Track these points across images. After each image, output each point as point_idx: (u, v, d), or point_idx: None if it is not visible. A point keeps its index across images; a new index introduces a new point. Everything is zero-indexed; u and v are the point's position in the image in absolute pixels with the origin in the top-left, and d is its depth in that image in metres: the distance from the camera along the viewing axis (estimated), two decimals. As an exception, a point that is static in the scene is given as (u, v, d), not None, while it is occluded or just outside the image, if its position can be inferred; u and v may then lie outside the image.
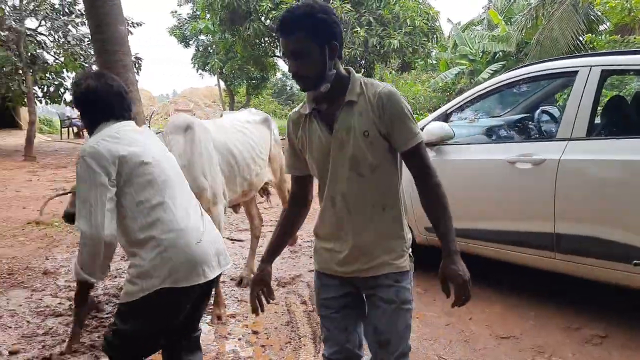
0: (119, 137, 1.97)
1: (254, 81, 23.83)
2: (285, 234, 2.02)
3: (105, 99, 2.06)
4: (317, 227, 1.92)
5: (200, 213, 2.17)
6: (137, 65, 15.75)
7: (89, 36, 15.71)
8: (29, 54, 14.74)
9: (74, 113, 20.65)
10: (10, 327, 3.53)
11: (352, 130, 1.72)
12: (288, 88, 35.25)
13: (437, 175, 1.76)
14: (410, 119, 1.72)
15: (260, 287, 1.96)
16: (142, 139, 2.07)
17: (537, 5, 13.82)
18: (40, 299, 4.05)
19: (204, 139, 3.52)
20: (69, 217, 2.83)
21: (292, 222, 2.02)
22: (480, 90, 4.17)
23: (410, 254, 1.86)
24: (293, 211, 2.02)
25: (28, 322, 3.61)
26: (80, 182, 1.88)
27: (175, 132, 3.43)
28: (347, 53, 14.42)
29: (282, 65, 22.01)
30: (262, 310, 1.97)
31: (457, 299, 1.75)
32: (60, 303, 3.97)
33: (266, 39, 17.02)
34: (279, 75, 29.48)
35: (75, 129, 21.56)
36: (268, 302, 1.98)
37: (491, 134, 4.52)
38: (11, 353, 3.18)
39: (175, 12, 24.55)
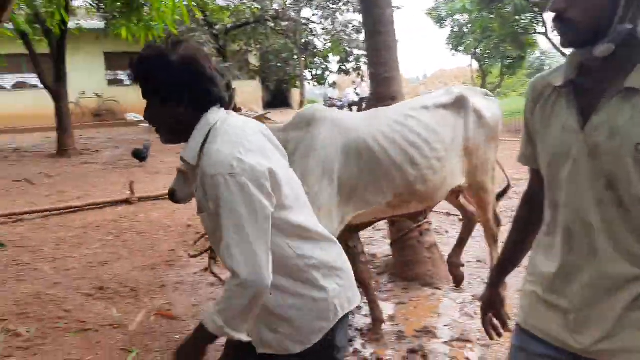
0: (258, 145, 1.45)
1: (509, 60, 22.74)
2: (518, 248, 1.47)
3: (215, 73, 1.48)
4: (534, 264, 1.31)
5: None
6: (395, 48, 16.60)
7: (352, 22, 17.13)
8: (303, 41, 16.73)
9: (335, 94, 22.75)
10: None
11: (617, 136, 1.08)
12: (546, 68, 32.55)
13: None
14: None
15: (488, 312, 1.56)
16: (270, 146, 1.55)
17: None
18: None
19: (323, 138, 2.76)
20: (172, 195, 2.63)
21: (533, 227, 1.37)
22: None
23: None
24: (531, 213, 1.41)
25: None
26: (233, 209, 1.34)
27: (297, 127, 2.81)
28: None
29: (542, 43, 20.53)
30: (499, 335, 1.58)
31: None
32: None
33: (527, 15, 16.10)
34: (537, 53, 27.47)
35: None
36: (501, 334, 1.58)
37: None
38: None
39: (433, -7, 24.81)
